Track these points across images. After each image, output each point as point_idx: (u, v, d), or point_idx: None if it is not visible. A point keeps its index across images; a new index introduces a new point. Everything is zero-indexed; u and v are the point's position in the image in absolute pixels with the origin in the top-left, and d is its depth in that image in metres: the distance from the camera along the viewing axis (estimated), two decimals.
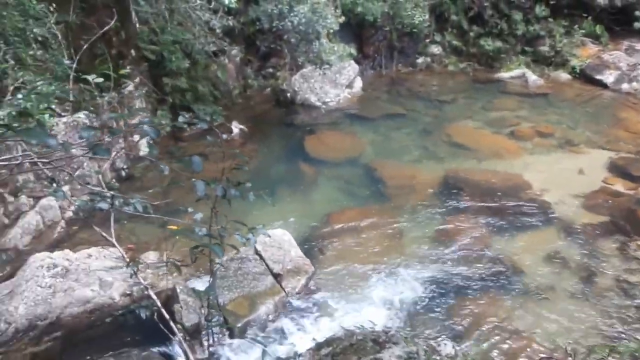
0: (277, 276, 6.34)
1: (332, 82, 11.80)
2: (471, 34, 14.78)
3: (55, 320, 5.40)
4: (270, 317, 5.91)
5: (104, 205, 3.60)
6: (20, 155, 4.59)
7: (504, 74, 14.11)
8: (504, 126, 11.06)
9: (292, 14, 10.30)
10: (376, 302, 6.20)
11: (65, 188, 6.78)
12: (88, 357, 5.40)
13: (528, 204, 8.21)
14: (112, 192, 3.14)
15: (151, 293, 3.92)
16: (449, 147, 10.13)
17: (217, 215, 2.71)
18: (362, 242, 7.21)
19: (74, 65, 5.53)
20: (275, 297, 6.05)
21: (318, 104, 11.20)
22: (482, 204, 8.17)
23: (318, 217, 7.79)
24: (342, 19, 11.37)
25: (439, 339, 5.40)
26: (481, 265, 6.85)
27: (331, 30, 11.13)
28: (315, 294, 6.28)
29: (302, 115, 10.96)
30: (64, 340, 5.42)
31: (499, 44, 14.55)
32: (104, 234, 4.01)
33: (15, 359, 5.17)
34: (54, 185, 3.79)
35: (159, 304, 3.50)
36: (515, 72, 14.07)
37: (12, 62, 6.46)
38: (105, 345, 5.57)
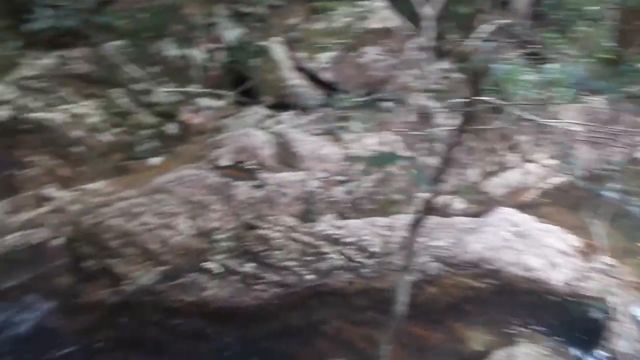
0: None
1: None
2: None
3: (495, 270, 5.85)
4: None
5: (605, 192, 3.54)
6: None
7: None
8: None
9: None
10: None
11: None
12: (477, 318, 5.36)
13: None
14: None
15: (610, 299, 3.75)
16: None
17: None
18: None
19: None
20: None
21: None
22: None
23: None
24: None
25: None
26: None
27: None
28: None
29: None
30: (496, 288, 5.77)
31: None
32: (589, 220, 3.99)
33: (453, 283, 5.91)
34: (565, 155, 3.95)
35: (622, 311, 3.31)
36: None
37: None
38: (500, 319, 5.40)
